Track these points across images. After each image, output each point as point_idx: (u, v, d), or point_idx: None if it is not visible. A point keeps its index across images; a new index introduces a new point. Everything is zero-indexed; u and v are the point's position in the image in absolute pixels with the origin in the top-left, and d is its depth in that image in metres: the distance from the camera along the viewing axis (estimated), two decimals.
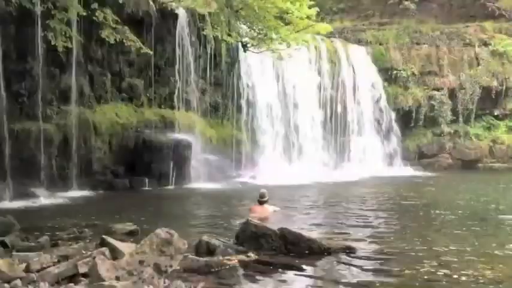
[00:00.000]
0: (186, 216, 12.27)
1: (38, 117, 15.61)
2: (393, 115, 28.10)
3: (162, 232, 5.49)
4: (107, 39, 15.40)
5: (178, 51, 19.61)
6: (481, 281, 6.25)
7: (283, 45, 17.12)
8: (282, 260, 7.18)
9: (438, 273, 6.60)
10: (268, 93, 23.13)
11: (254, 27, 16.89)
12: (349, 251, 7.68)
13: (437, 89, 28.89)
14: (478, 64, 29.20)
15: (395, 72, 28.47)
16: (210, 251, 7.26)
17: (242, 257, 7.09)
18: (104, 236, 7.16)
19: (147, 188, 17.62)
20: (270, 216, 11.20)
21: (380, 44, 28.99)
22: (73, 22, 15.38)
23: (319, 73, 25.63)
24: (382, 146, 27.46)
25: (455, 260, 7.34)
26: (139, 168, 17.92)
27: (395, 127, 28.11)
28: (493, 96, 29.19)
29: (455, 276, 6.46)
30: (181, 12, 19.54)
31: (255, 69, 22.59)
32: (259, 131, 22.82)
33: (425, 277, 6.44)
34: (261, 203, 11.51)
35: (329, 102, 26.01)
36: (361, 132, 27.07)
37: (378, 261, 7.35)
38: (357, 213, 12.45)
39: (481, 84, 28.83)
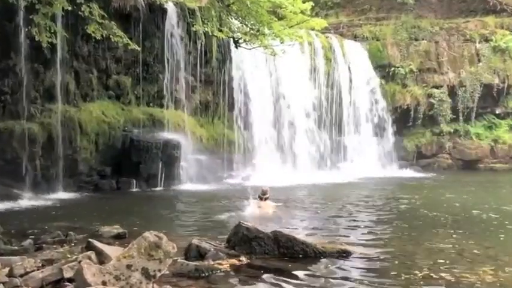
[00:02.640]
0: (175, 219, 12.32)
1: (22, 115, 15.43)
2: (390, 114, 27.63)
3: (150, 235, 5.41)
4: (93, 34, 14.98)
5: (167, 48, 19.45)
6: (480, 286, 6.19)
7: (277, 41, 16.69)
8: (275, 264, 7.10)
9: (436, 277, 6.56)
10: (261, 92, 22.90)
11: (246, 23, 16.48)
12: (345, 254, 7.65)
13: (437, 87, 28.37)
14: (479, 61, 28.66)
15: (393, 69, 28.00)
16: (201, 254, 7.23)
17: (233, 261, 7.08)
18: (90, 240, 7.15)
19: (134, 190, 17.47)
20: (272, 210, 12.13)
21: (377, 40, 28.54)
22: (58, 17, 15.17)
23: (314, 70, 25.23)
24: (378, 146, 27.07)
25: (455, 264, 7.25)
26: (127, 169, 17.67)
27: (393, 126, 27.62)
28: (495, 94, 28.71)
29: (453, 280, 6.41)
30: (170, 7, 19.39)
31: (247, 66, 22.30)
32: (252, 130, 22.47)
33: (423, 282, 6.40)
34: (262, 199, 12.29)
35: (324, 100, 25.57)
36: (356, 131, 26.73)
37: (374, 265, 7.33)
38: (353, 215, 12.52)
39: (482, 81, 28.27)
